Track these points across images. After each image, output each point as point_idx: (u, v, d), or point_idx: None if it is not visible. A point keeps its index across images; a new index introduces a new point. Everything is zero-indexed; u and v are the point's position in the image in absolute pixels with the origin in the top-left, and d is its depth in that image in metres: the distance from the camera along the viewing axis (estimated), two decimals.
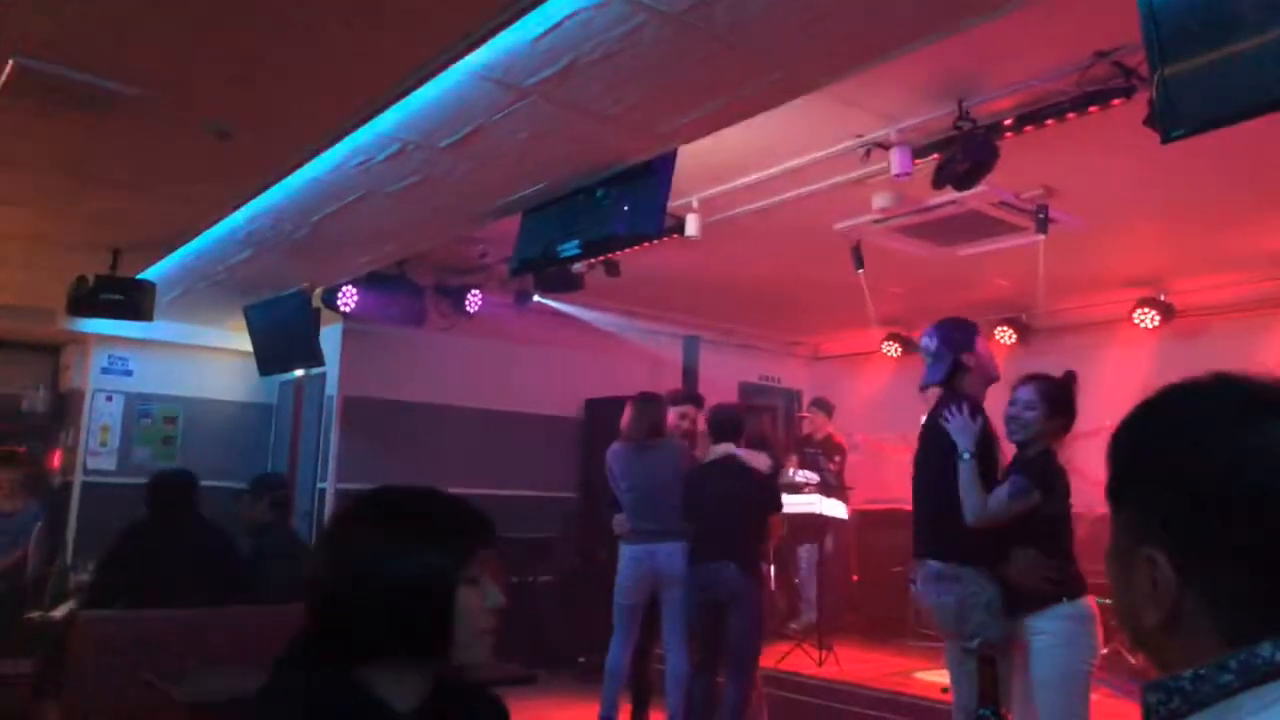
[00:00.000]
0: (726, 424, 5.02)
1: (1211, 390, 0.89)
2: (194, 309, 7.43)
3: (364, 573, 1.30)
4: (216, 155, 4.18)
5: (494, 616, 1.35)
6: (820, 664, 6.06)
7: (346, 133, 3.90)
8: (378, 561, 1.30)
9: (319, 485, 7.44)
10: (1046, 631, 3.17)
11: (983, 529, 3.28)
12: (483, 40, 3.10)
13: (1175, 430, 0.88)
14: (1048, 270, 5.78)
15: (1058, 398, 3.38)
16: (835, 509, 7.08)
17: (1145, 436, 0.90)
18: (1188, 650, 0.84)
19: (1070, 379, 3.47)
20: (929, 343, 3.68)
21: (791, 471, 7.17)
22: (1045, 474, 3.28)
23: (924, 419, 3.75)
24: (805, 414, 8.60)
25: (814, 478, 7.11)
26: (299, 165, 4.31)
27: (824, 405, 7.87)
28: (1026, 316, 7.62)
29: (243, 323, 7.43)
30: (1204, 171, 4.62)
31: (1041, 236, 5.30)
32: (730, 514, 4.78)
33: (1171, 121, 2.44)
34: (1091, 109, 3.73)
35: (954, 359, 3.59)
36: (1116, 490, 0.92)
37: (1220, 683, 0.81)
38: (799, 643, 6.36)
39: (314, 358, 6.95)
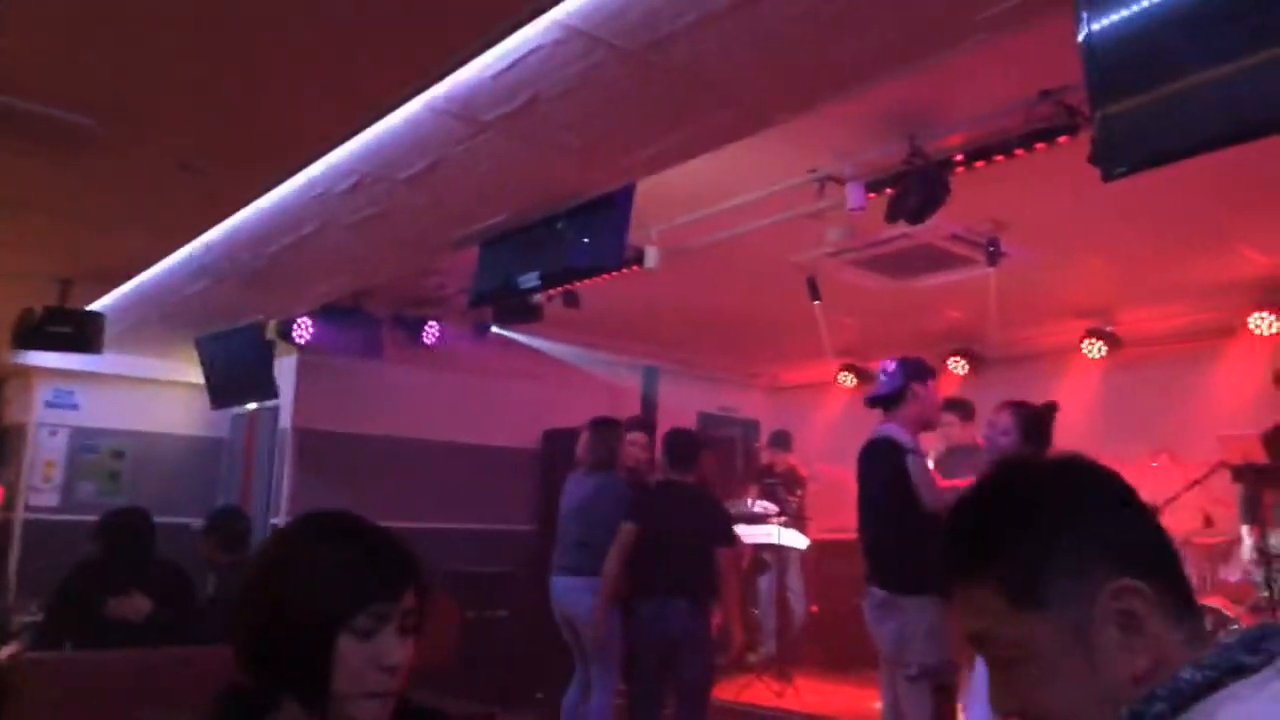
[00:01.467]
0: (683, 450, 4.78)
1: (1030, 467, 0.99)
2: (144, 340, 7.30)
3: (259, 606, 1.23)
4: (175, 187, 4.15)
5: (388, 678, 1.21)
6: (780, 695, 6.05)
7: (305, 164, 3.89)
8: (273, 595, 1.23)
9: (271, 520, 7.30)
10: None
11: (925, 552, 3.36)
12: (443, 75, 3.12)
13: (1059, 487, 0.95)
14: (999, 301, 5.90)
15: (1032, 426, 3.55)
16: (794, 540, 7.11)
17: (1043, 508, 0.93)
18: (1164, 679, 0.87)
19: (1050, 409, 3.66)
20: (888, 365, 3.93)
21: (750, 502, 7.20)
22: None
23: (862, 450, 3.88)
24: (763, 445, 8.67)
25: (773, 508, 7.14)
26: (256, 196, 4.28)
27: (782, 440, 7.93)
28: (979, 347, 7.76)
29: (194, 354, 7.32)
30: (1147, 206, 4.76)
31: (992, 269, 5.43)
32: (682, 547, 4.54)
33: (1112, 160, 2.52)
34: (1038, 146, 3.84)
35: (905, 383, 3.79)
36: (1030, 578, 0.89)
37: (1155, 714, 0.83)
38: (759, 674, 6.35)
39: (268, 390, 6.86)
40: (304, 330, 6.68)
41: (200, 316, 6.57)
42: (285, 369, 7.09)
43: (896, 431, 3.71)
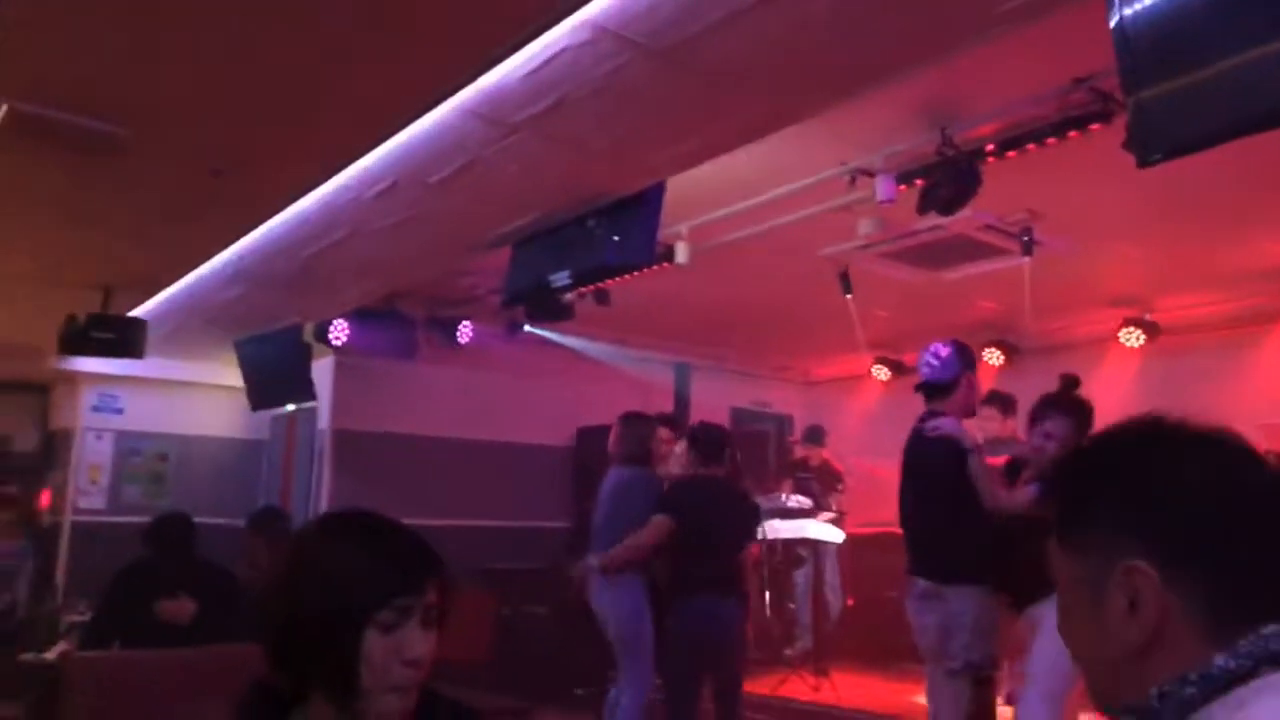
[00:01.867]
0: (715, 444, 4.66)
1: (1144, 423, 0.96)
2: (185, 345, 7.43)
3: (286, 599, 1.27)
4: (209, 194, 4.22)
5: (412, 671, 1.24)
6: (817, 690, 6.04)
7: (337, 170, 3.94)
8: (297, 593, 1.26)
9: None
10: (1047, 619, 3.18)
11: (973, 543, 3.33)
12: (473, 78, 3.15)
13: (1139, 449, 0.94)
14: (1034, 292, 5.84)
15: (1083, 416, 3.41)
16: (828, 533, 7.08)
17: (1108, 462, 0.95)
18: (1169, 664, 0.86)
19: (1087, 407, 3.48)
20: (941, 350, 3.74)
21: (784, 497, 7.18)
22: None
23: (908, 437, 3.81)
24: (796, 440, 8.64)
25: (806, 502, 7.12)
26: (290, 202, 4.35)
27: (815, 435, 7.89)
28: (1014, 338, 7.68)
29: (234, 358, 7.43)
30: (1184, 192, 4.69)
31: (1027, 259, 5.37)
32: (726, 545, 4.50)
33: (1147, 146, 2.49)
34: (1071, 134, 3.80)
35: (960, 371, 3.68)
36: (1077, 521, 0.94)
37: (1185, 698, 0.84)
38: (795, 669, 6.35)
39: (306, 392, 6.96)
40: (340, 332, 6.77)
41: (238, 320, 6.68)
42: (322, 371, 7.19)
43: (953, 428, 3.59)
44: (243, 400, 7.64)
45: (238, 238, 4.91)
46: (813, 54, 2.99)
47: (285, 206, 4.42)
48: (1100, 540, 0.92)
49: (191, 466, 8.31)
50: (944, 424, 3.58)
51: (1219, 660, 0.84)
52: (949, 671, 3.37)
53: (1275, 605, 0.85)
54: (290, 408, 7.96)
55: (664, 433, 5.33)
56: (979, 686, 3.35)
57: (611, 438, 5.06)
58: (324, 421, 7.49)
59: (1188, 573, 0.87)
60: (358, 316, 6.79)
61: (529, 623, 7.11)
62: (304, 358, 6.84)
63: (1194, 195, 4.77)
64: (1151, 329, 6.98)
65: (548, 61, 3.05)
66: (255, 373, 7.32)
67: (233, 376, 7.67)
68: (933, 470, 3.61)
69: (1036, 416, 3.53)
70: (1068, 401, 3.49)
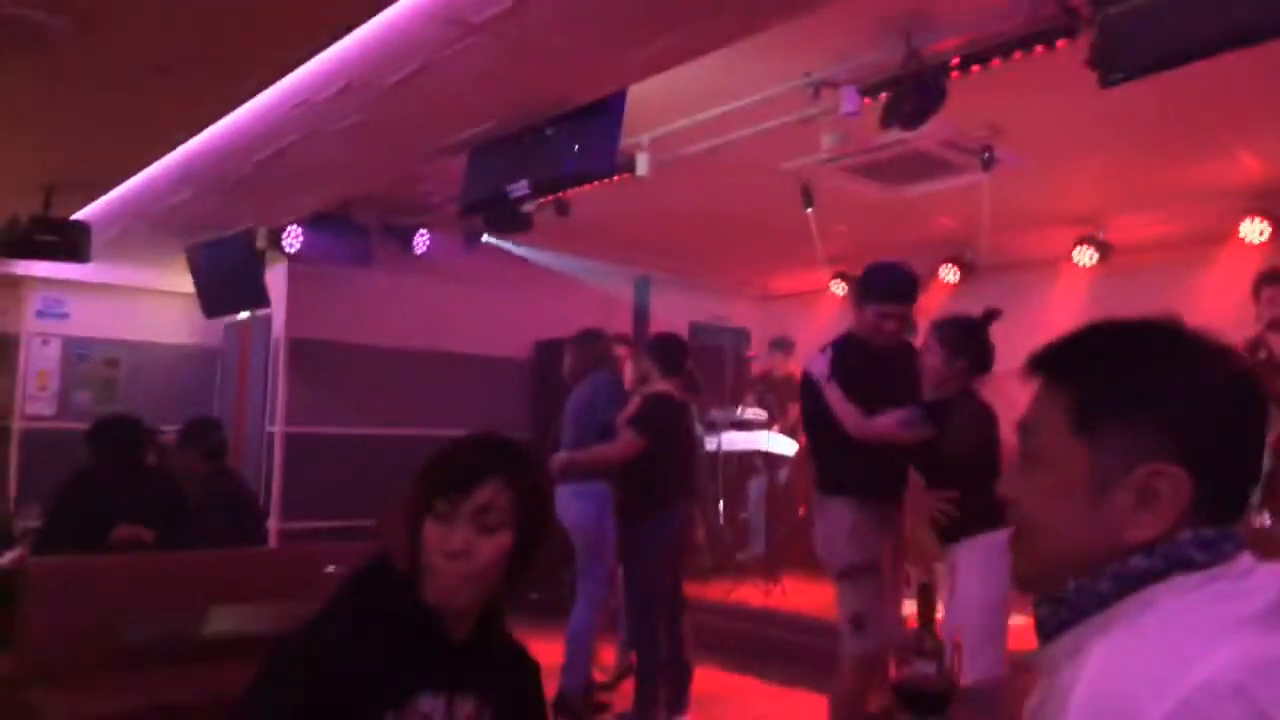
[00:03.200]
0: (675, 355, 4.68)
1: (1161, 325, 0.97)
2: (133, 250, 7.24)
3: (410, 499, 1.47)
4: (153, 92, 4.06)
5: (445, 560, 1.39)
6: (767, 595, 6.24)
7: (289, 70, 3.81)
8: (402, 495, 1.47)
9: (268, 429, 7.38)
10: (962, 561, 3.28)
11: (854, 458, 3.43)
12: None
13: (1167, 352, 0.94)
14: (991, 209, 5.88)
15: (958, 340, 3.36)
16: (783, 445, 7.22)
17: (1136, 359, 0.94)
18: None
19: (986, 319, 3.42)
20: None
21: (741, 409, 7.29)
22: (944, 415, 3.33)
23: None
24: (754, 354, 8.72)
25: (762, 414, 7.23)
26: (240, 102, 4.20)
27: (783, 344, 7.96)
28: (970, 255, 7.75)
29: (185, 264, 7.27)
30: (1142, 111, 4.70)
31: (986, 176, 5.39)
32: (690, 454, 4.73)
33: (1110, 65, 2.49)
34: (1037, 49, 3.77)
35: (852, 294, 3.84)
36: (1097, 410, 0.93)
37: (1098, 590, 0.89)
38: (747, 575, 6.54)
39: (259, 299, 6.86)
40: (293, 239, 6.64)
41: (188, 225, 6.51)
42: (276, 277, 7.07)
43: (815, 361, 3.66)
44: (195, 307, 7.51)
45: (185, 139, 4.75)
46: None
47: (235, 108, 4.27)
48: (1118, 430, 0.92)
49: (143, 373, 8.19)
50: (815, 359, 3.67)
51: (1134, 560, 0.88)
52: (836, 574, 3.55)
53: (1206, 516, 0.89)
54: (244, 315, 7.84)
55: (622, 349, 5.39)
56: (923, 590, 3.47)
57: (567, 360, 5.07)
58: (278, 329, 7.40)
59: (1206, 481, 0.89)
60: (312, 223, 6.65)
61: None
62: (257, 264, 6.72)
63: (1153, 113, 4.78)
64: (1104, 248, 7.08)
65: None
66: (207, 279, 7.18)
67: (184, 283, 7.51)
68: (805, 404, 3.78)
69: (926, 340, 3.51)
70: (954, 331, 3.41)
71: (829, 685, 3.63)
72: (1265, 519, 4.65)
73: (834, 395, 3.52)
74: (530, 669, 1.60)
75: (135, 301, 8.20)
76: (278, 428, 7.24)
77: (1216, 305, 6.45)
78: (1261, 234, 6.31)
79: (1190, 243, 6.76)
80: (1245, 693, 0.78)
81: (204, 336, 8.47)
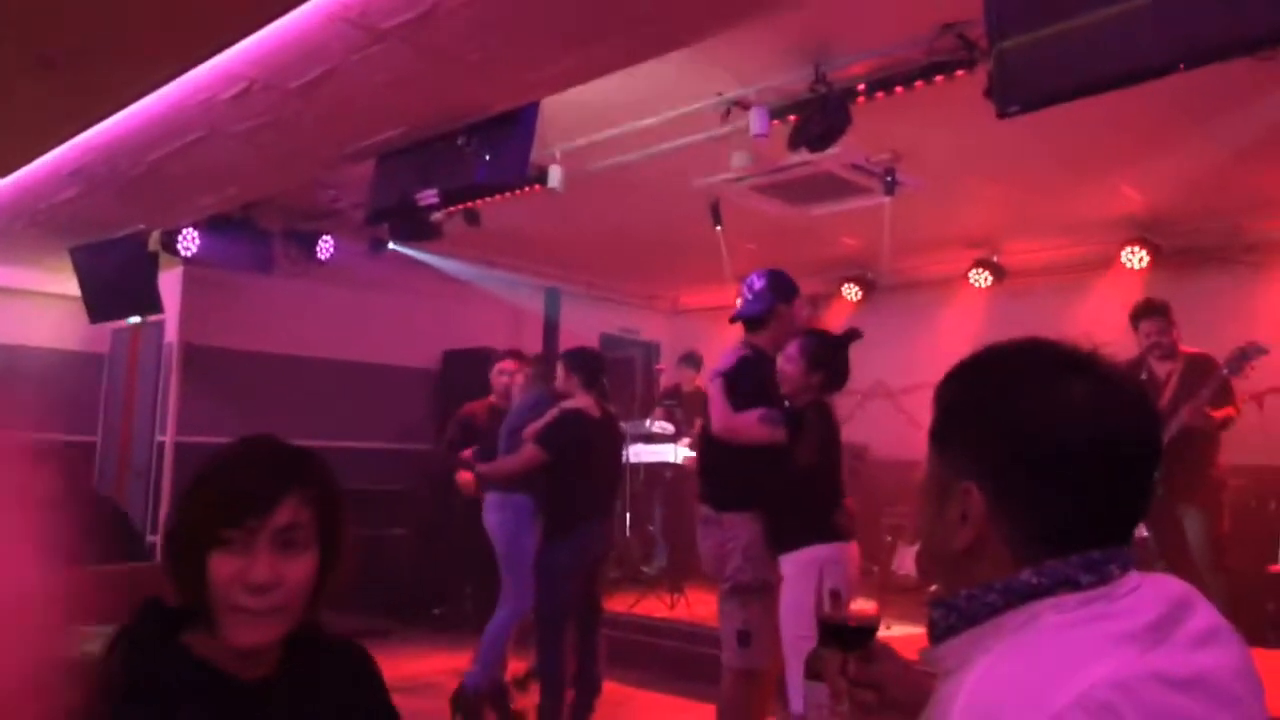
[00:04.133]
0: (596, 369, 4.68)
1: (1027, 349, 1.03)
2: (12, 249, 6.87)
3: (168, 523, 1.25)
4: (38, 84, 3.86)
5: (251, 595, 1.18)
6: (671, 607, 6.27)
7: (189, 67, 3.68)
8: (171, 512, 1.25)
9: (158, 439, 7.08)
10: (789, 572, 3.36)
11: (757, 473, 3.46)
12: None
13: (996, 382, 1.01)
14: (893, 231, 6.07)
15: (817, 354, 3.44)
16: (687, 458, 7.27)
17: (971, 386, 1.03)
18: (985, 572, 0.96)
19: (847, 338, 3.54)
20: (756, 281, 3.70)
21: (650, 422, 7.32)
22: (799, 422, 3.38)
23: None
24: (662, 368, 8.77)
25: (669, 428, 7.28)
26: (135, 99, 4.03)
27: (693, 360, 8.02)
28: (872, 274, 7.97)
29: (69, 265, 6.93)
30: (1034, 142, 4.92)
31: (888, 198, 5.56)
32: (611, 470, 4.72)
33: (1006, 97, 2.60)
34: (937, 78, 3.92)
35: (773, 303, 3.65)
36: (941, 432, 1.04)
37: (987, 601, 0.94)
38: (652, 587, 6.55)
39: (152, 304, 6.58)
40: (190, 242, 6.41)
41: (75, 225, 6.20)
42: (170, 282, 6.79)
43: (726, 358, 3.61)
44: (80, 309, 7.16)
45: (74, 134, 4.53)
46: None
47: (129, 104, 4.09)
48: (954, 453, 1.01)
49: (23, 380, 7.76)
50: (725, 355, 3.59)
51: (1024, 576, 0.93)
52: (724, 592, 3.54)
53: (1084, 540, 0.94)
54: (134, 320, 7.51)
55: (507, 364, 5.42)
56: (756, 601, 3.50)
57: (519, 380, 5.15)
58: (171, 335, 7.12)
59: (1013, 504, 0.96)
60: (210, 226, 6.43)
61: (389, 545, 7.07)
62: (149, 267, 6.45)
63: (1044, 146, 5.01)
64: (998, 270, 7.38)
65: None
66: (94, 282, 6.85)
67: (66, 284, 7.15)
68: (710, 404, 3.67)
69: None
70: (816, 345, 3.50)
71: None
72: (1140, 530, 4.90)
73: (714, 390, 3.48)
74: (360, 672, 1.41)
75: (13, 303, 7.77)
76: (168, 437, 6.95)
77: (1101, 326, 6.74)
78: (1141, 261, 6.67)
79: (1077, 267, 7.10)
80: (1114, 710, 0.81)
81: (89, 342, 8.08)
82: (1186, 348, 4.93)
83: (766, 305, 3.65)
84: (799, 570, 3.29)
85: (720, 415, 3.47)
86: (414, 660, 5.68)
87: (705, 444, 3.83)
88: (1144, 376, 5.01)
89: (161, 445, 7.00)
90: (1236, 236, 6.35)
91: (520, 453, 4.52)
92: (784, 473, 3.41)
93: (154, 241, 6.41)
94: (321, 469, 1.32)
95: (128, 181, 5.15)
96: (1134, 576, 0.94)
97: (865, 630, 1.27)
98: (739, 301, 3.79)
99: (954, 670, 0.93)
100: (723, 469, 3.63)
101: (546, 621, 4.46)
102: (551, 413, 4.57)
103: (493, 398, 5.49)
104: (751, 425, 3.43)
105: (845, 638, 1.26)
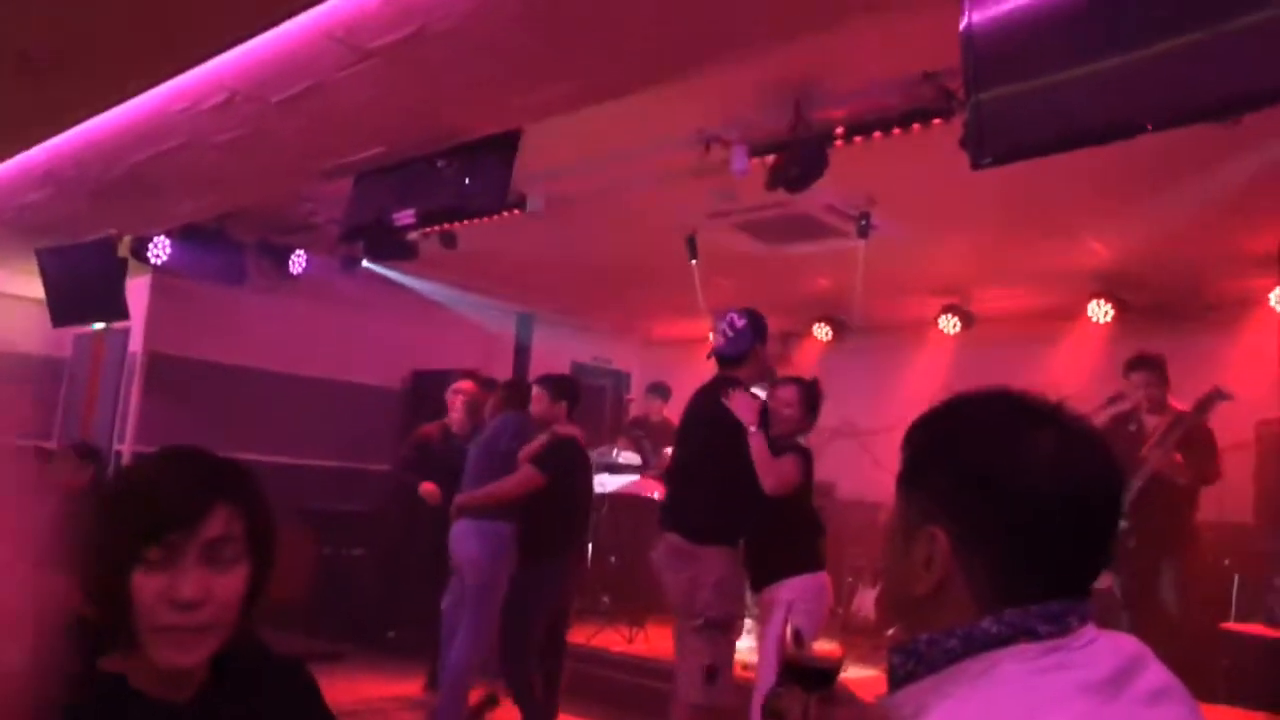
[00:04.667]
0: (577, 396, 4.66)
1: (997, 400, 1.05)
2: None
3: (82, 540, 1.15)
4: (17, 84, 3.83)
5: (180, 613, 1.12)
6: (630, 641, 6.21)
7: (172, 74, 3.66)
8: (85, 529, 1.15)
9: (116, 447, 6.96)
10: (781, 599, 3.53)
11: (741, 510, 3.56)
12: None
13: (967, 430, 1.03)
14: (866, 274, 6.13)
15: (814, 400, 3.88)
16: (653, 490, 7.25)
17: (942, 433, 1.05)
18: (945, 618, 0.97)
19: (816, 383, 3.97)
20: (738, 320, 3.84)
21: (616, 452, 7.29)
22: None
23: (691, 399, 3.93)
24: (633, 398, 8.77)
25: (636, 459, 7.26)
26: (117, 103, 4.01)
27: (661, 390, 8.02)
28: (843, 315, 8.04)
29: (33, 266, 6.82)
30: (1006, 193, 5.00)
31: (862, 242, 5.62)
32: (588, 501, 4.67)
33: (981, 148, 2.64)
34: (914, 126, 3.98)
35: (752, 343, 3.79)
36: (910, 476, 1.05)
37: (947, 648, 0.95)
38: (611, 620, 6.50)
39: (118, 311, 6.49)
40: (160, 250, 6.34)
41: (43, 226, 6.12)
42: (138, 290, 6.72)
43: (738, 404, 3.64)
44: (42, 312, 7.04)
45: (53, 135, 4.49)
46: (682, 18, 3.00)
47: (109, 107, 4.07)
48: (922, 498, 1.02)
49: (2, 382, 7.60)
50: (740, 400, 3.64)
51: (985, 624, 0.94)
52: (693, 628, 3.51)
53: (1045, 590, 0.95)
54: (98, 326, 7.40)
55: (464, 384, 5.41)
56: (723, 637, 3.51)
57: (490, 403, 5.09)
58: (136, 344, 7.02)
59: (978, 551, 0.97)
60: (181, 235, 6.37)
61: (347, 565, 6.97)
62: (118, 274, 6.37)
63: (1017, 195, 5.10)
64: (968, 317, 7.47)
65: None
66: (60, 285, 6.75)
67: (33, 286, 7.04)
68: (710, 440, 3.70)
69: (774, 387, 3.95)
70: (812, 393, 3.91)
71: None
72: (1107, 580, 4.95)
73: (760, 445, 3.53)
74: (295, 687, 1.34)
75: None
76: (126, 446, 6.84)
77: (1067, 376, 6.88)
78: (1106, 315, 6.78)
79: (1045, 317, 7.20)
80: None
81: (51, 346, 7.94)
82: (1177, 403, 5.02)
83: (747, 345, 3.79)
84: (796, 597, 3.45)
85: (773, 470, 3.53)
86: (366, 684, 5.58)
87: (680, 476, 3.83)
88: (1133, 428, 5.09)
89: (120, 455, 6.87)
90: (1199, 294, 6.48)
91: (517, 475, 4.40)
92: (768, 506, 3.48)
93: (124, 248, 6.34)
94: (249, 479, 1.24)
95: (103, 185, 5.10)
96: (1091, 629, 0.95)
97: (829, 671, 1.26)
98: (718, 338, 3.90)
99: (911, 717, 0.93)
100: (702, 502, 3.62)
101: (516, 654, 4.34)
102: (544, 437, 4.48)
103: (446, 419, 5.46)
104: (794, 472, 3.59)
105: (808, 678, 1.25)
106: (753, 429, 3.54)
